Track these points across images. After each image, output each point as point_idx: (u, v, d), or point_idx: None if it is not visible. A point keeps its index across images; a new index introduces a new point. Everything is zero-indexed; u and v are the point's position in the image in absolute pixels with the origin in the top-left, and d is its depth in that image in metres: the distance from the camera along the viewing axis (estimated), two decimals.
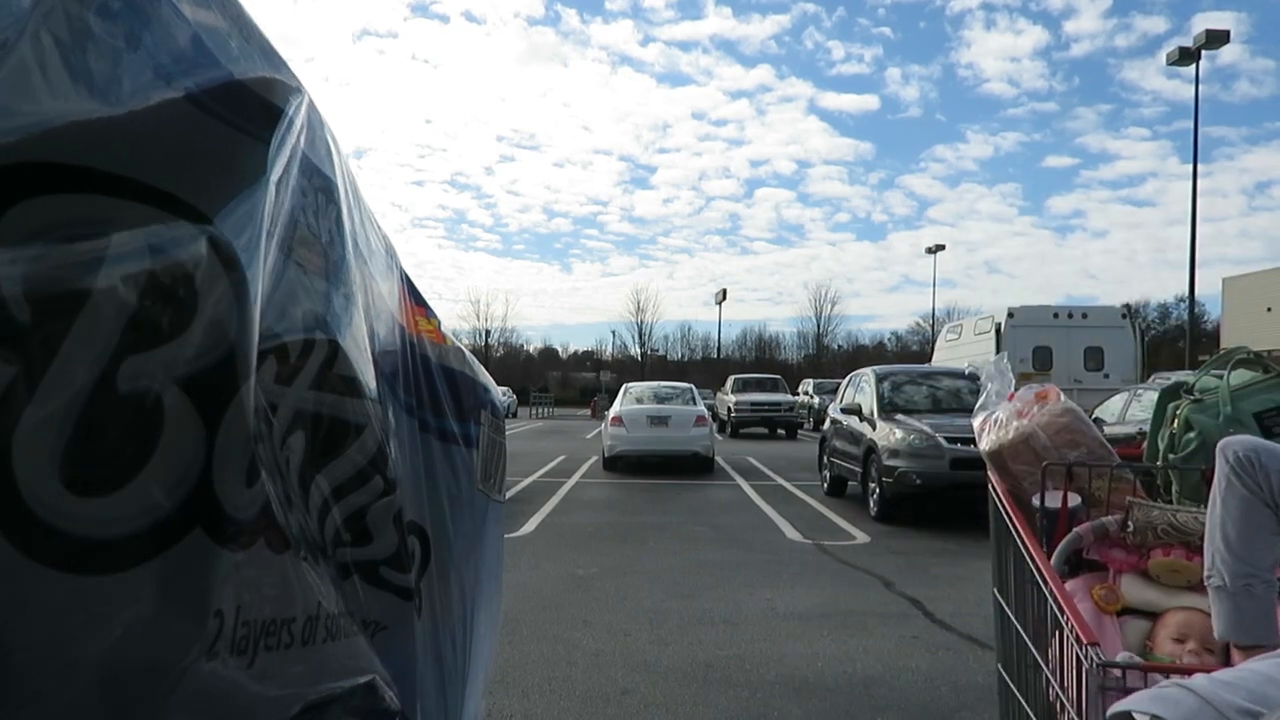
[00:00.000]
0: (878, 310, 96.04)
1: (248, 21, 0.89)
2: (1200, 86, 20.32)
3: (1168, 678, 1.28)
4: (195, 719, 0.79)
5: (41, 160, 0.67)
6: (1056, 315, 14.38)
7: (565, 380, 65.34)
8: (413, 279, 1.46)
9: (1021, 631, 2.13)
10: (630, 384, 15.46)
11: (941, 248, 45.30)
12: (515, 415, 36.51)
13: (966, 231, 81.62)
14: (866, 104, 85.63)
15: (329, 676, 0.98)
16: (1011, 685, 2.26)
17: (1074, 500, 2.15)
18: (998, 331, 14.43)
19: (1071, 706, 1.70)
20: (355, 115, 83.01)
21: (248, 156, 0.86)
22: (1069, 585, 1.99)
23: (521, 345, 70.44)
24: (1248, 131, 76.03)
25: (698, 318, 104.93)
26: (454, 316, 59.14)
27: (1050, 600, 1.84)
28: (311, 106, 1.02)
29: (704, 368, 58.64)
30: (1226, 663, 1.61)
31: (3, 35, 0.65)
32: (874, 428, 8.95)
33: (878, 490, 8.49)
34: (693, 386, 15.40)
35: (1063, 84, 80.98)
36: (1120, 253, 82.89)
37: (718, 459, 14.36)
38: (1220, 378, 2.22)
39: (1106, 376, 13.91)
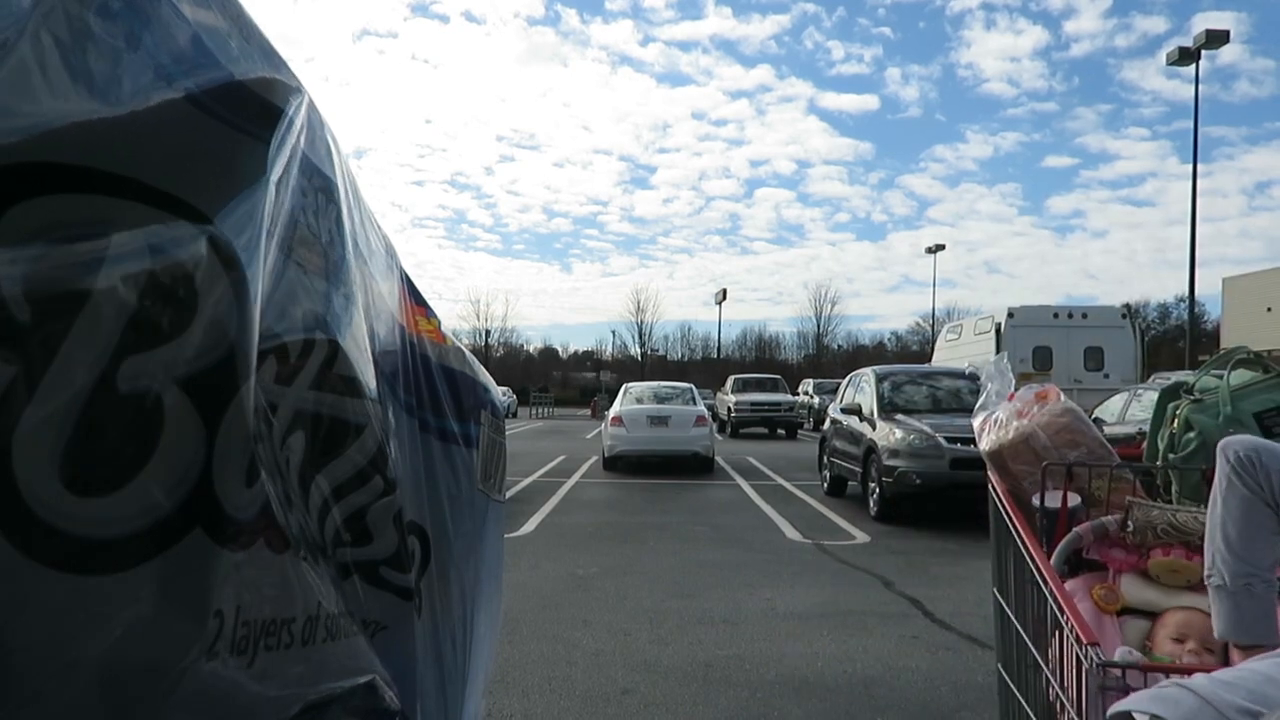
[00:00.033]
0: (878, 310, 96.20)
1: (248, 21, 0.89)
2: (1200, 86, 20.35)
3: (1168, 678, 1.28)
4: (195, 719, 0.79)
5: (42, 160, 0.67)
6: (1056, 315, 14.38)
7: (565, 380, 65.34)
8: (413, 279, 1.46)
9: (1021, 631, 2.13)
10: (630, 384, 15.46)
11: (941, 248, 45.32)
12: (515, 415, 36.51)
13: (966, 231, 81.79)
14: (866, 104, 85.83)
15: (329, 676, 0.98)
16: (1011, 685, 2.26)
17: (1074, 500, 2.15)
18: (998, 331, 14.43)
19: (1071, 706, 1.70)
20: (355, 115, 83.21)
21: (248, 156, 0.86)
22: (1069, 585, 1.99)
23: (521, 345, 70.59)
24: (1248, 131, 76.22)
25: (698, 318, 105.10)
26: (454, 316, 59.27)
27: (1050, 600, 1.84)
28: (311, 106, 1.02)
29: (704, 368, 58.64)
30: (1226, 663, 1.61)
31: (3, 35, 0.65)
32: (874, 428, 8.95)
33: (878, 490, 8.49)
34: (693, 386, 15.39)
35: (1063, 84, 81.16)
36: (1120, 253, 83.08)
37: (718, 459, 14.36)
38: (1220, 378, 2.22)
39: (1106, 376, 13.91)
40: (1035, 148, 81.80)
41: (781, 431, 23.83)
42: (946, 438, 7.99)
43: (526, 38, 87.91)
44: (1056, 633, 1.82)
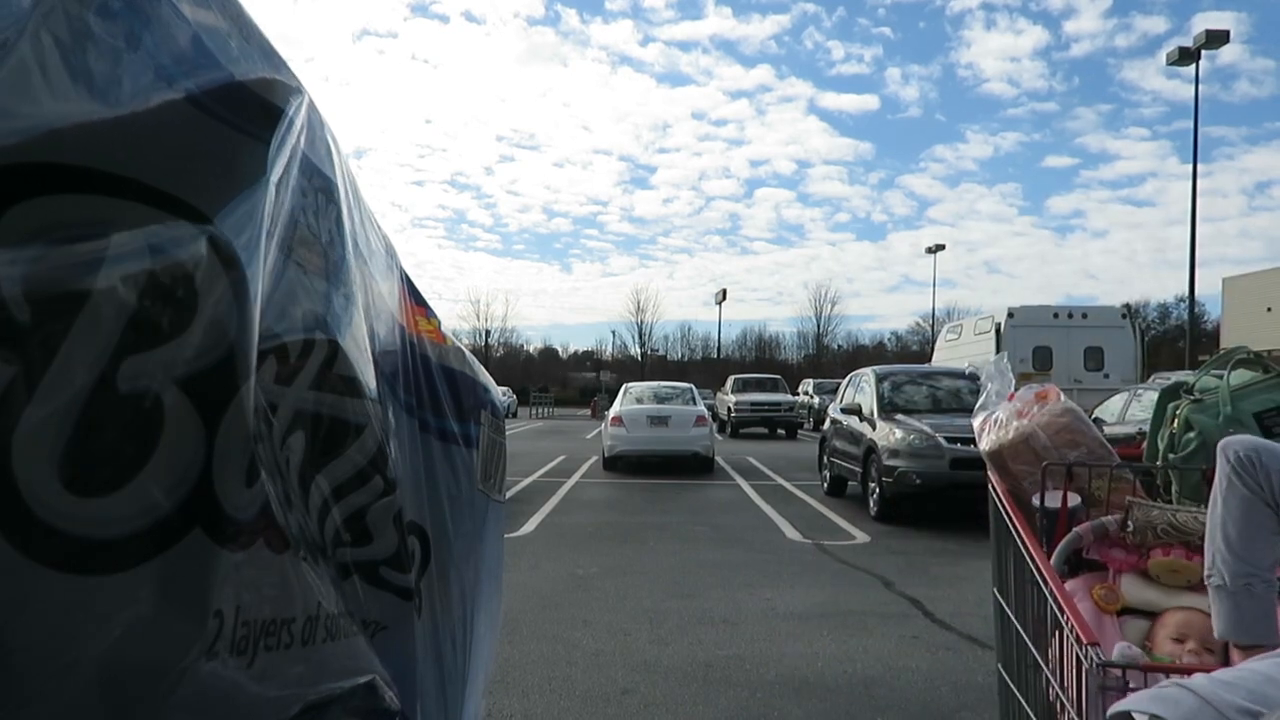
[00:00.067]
0: (878, 310, 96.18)
1: (248, 22, 0.89)
2: (1200, 86, 20.34)
3: (1168, 677, 1.28)
4: (195, 719, 0.79)
5: (42, 161, 0.67)
6: (1056, 315, 14.39)
7: (565, 380, 65.34)
8: (413, 279, 1.46)
9: (1021, 631, 2.13)
10: (630, 384, 15.46)
11: (941, 248, 45.32)
12: (515, 415, 36.51)
13: (966, 231, 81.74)
14: (866, 104, 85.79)
15: (329, 677, 0.98)
16: (1011, 685, 2.26)
17: (1074, 500, 2.15)
18: (998, 331, 14.43)
19: (1071, 706, 1.70)
20: (355, 115, 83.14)
21: (248, 157, 0.86)
22: (1069, 585, 1.99)
23: (521, 345, 70.57)
24: (1248, 131, 76.16)
25: (698, 318, 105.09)
26: (454, 316, 59.24)
27: (1050, 600, 1.84)
28: (311, 107, 1.02)
29: (704, 368, 58.63)
30: (1226, 662, 1.61)
31: (3, 35, 0.65)
32: (874, 428, 8.95)
33: (878, 490, 8.49)
34: (693, 386, 15.40)
35: (1063, 84, 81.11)
36: (1120, 253, 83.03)
37: (718, 459, 14.36)
38: (1220, 378, 2.22)
39: (1106, 376, 13.92)
40: (1035, 148, 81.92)
41: (781, 431, 23.83)
42: (946, 438, 7.99)
43: (526, 38, 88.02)
44: (1056, 633, 1.82)
